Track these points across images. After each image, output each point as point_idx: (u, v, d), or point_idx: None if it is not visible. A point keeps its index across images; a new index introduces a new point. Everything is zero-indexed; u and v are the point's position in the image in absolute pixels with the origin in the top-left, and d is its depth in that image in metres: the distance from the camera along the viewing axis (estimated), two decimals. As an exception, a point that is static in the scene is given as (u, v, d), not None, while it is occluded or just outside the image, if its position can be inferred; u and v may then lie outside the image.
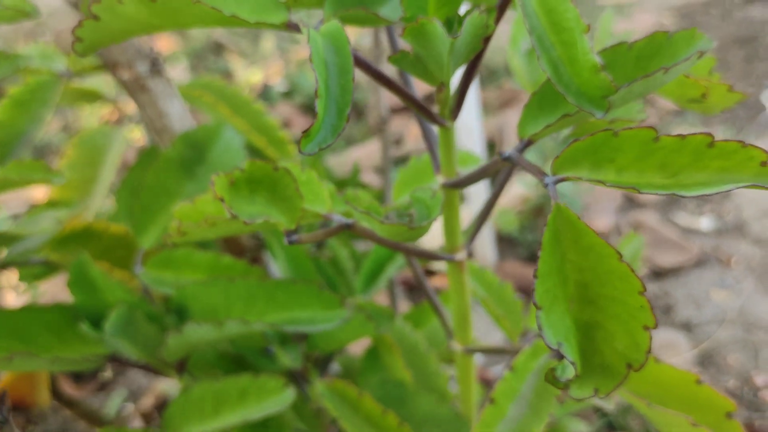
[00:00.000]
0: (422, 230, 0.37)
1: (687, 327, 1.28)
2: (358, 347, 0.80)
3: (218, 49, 2.13)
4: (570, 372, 0.30)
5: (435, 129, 0.43)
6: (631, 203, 1.63)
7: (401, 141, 1.75)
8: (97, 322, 0.56)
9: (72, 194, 0.77)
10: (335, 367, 0.77)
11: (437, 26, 0.32)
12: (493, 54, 2.15)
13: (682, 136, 0.28)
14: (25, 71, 0.70)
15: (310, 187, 0.39)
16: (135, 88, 0.60)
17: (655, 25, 2.22)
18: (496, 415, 0.42)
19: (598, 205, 1.59)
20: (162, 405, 1.09)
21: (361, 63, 0.36)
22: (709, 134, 0.27)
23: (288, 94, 1.85)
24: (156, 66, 0.60)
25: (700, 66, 0.43)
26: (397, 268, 0.70)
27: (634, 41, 0.34)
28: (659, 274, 1.42)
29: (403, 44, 0.43)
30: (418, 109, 0.38)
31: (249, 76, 2.03)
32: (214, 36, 2.12)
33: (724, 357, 1.20)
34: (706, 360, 1.20)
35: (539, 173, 0.31)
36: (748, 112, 1.96)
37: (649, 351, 0.29)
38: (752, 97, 1.91)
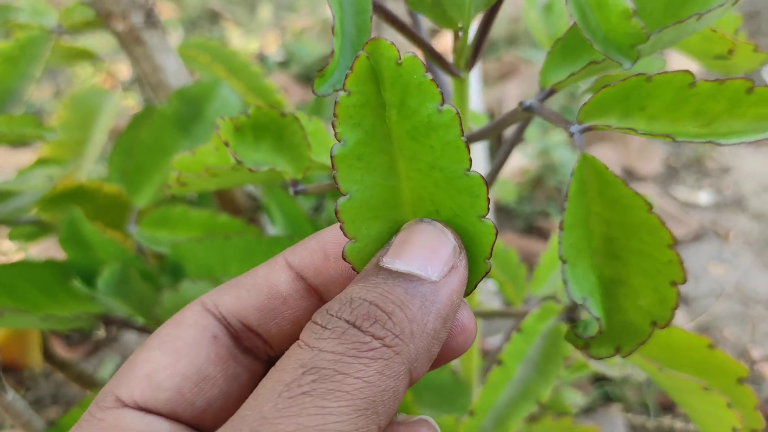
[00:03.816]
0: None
1: (685, 300, 1.28)
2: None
3: (214, 17, 2.10)
4: (593, 329, 0.28)
5: (447, 81, 0.41)
6: (630, 176, 1.62)
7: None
8: (90, 280, 0.54)
9: (63, 155, 0.75)
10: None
11: (458, -35, 0.30)
12: (495, 26, 2.13)
13: (720, 81, 0.26)
14: (15, 26, 0.68)
15: (317, 138, 0.37)
16: (129, 41, 0.58)
17: None
18: (504, 377, 0.41)
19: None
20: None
21: (374, 5, 0.34)
22: (749, 79, 0.26)
23: (284, 64, 1.83)
24: (151, 17, 0.58)
25: (725, 24, 0.41)
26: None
27: (663, -14, 0.32)
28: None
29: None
30: (433, 56, 0.36)
31: (245, 45, 2.00)
32: (209, 3, 2.08)
33: (721, 330, 1.20)
34: (704, 333, 1.20)
35: (563, 122, 0.30)
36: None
37: (675, 308, 0.28)
38: (754, 73, 1.90)
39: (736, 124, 0.27)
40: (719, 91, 0.27)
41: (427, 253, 0.24)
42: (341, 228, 0.24)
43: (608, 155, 1.62)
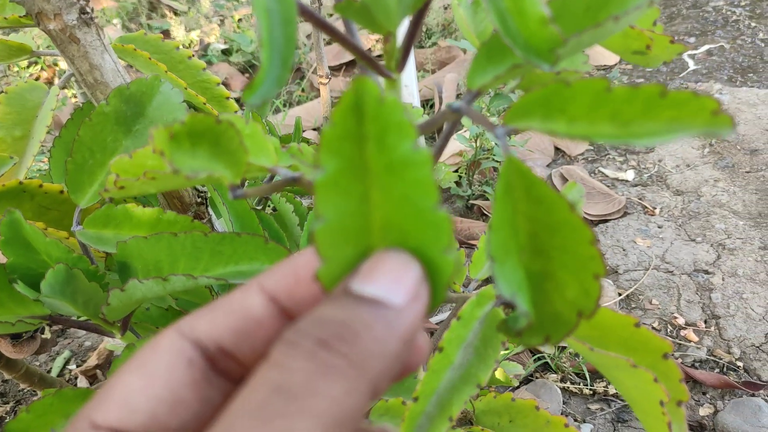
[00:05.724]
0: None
1: (614, 273, 1.32)
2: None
3: (153, 7, 2.05)
4: (523, 321, 0.30)
5: (381, 81, 0.42)
6: (562, 156, 1.66)
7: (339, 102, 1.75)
8: (34, 283, 0.54)
9: (2, 152, 0.74)
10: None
11: (386, -25, 0.31)
12: (429, 14, 2.14)
13: (635, 87, 0.28)
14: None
15: (255, 141, 0.38)
16: (63, 40, 0.57)
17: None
18: (444, 363, 0.43)
19: (530, 160, 1.62)
20: (105, 364, 1.07)
21: (305, 12, 0.35)
22: (662, 85, 0.28)
23: (227, 54, 1.81)
24: (85, 14, 0.57)
25: (643, 17, 0.43)
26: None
27: (583, -10, 0.34)
28: (588, 223, 1.46)
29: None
30: (364, 59, 0.37)
31: (186, 35, 1.97)
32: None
33: (649, 300, 1.25)
34: (632, 303, 1.25)
35: (489, 124, 0.31)
36: (671, 70, 2.01)
37: (599, 299, 0.30)
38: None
39: (651, 125, 0.29)
40: (635, 95, 0.28)
41: (393, 281, 0.25)
42: (316, 250, 0.25)
43: (542, 137, 1.66)
